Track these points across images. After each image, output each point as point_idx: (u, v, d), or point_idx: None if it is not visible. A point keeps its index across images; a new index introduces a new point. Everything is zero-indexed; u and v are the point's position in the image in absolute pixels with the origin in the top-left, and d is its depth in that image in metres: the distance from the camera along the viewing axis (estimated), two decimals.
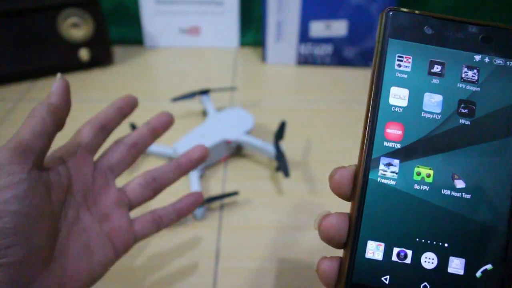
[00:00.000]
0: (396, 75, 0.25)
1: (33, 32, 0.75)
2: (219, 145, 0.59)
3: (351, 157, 0.63)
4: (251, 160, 0.63)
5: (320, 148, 0.65)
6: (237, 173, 0.60)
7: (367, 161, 0.24)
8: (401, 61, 0.26)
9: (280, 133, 0.61)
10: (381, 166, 0.24)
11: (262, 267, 0.48)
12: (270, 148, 0.58)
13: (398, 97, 0.25)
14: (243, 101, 0.76)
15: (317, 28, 0.83)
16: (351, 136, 0.68)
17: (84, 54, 0.79)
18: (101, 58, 0.84)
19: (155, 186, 0.34)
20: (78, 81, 0.82)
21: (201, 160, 0.35)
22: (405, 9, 0.26)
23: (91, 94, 0.78)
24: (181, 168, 0.34)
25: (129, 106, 0.34)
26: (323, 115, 0.73)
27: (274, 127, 0.68)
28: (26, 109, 0.74)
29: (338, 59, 0.86)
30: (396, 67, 0.26)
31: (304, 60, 0.87)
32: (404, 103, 0.25)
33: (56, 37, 0.77)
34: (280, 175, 0.60)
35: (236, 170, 0.61)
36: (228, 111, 0.65)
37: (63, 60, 0.80)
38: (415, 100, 0.25)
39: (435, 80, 0.25)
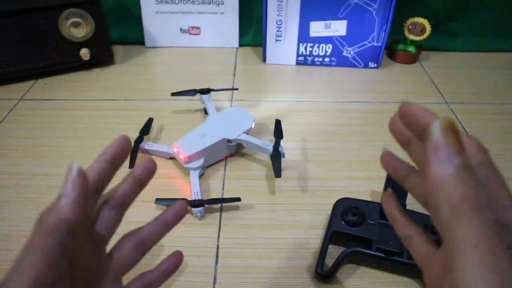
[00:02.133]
0: None
1: (34, 32, 0.76)
2: (220, 144, 0.60)
3: (350, 157, 0.64)
4: (250, 159, 0.63)
5: (319, 147, 0.66)
6: (237, 172, 0.61)
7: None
8: None
9: (279, 132, 0.61)
10: None
11: (261, 265, 0.48)
12: (270, 148, 0.59)
13: None
14: (243, 100, 0.77)
15: (317, 28, 0.83)
16: (350, 136, 0.68)
17: (85, 53, 0.80)
18: (102, 58, 0.84)
19: (145, 248, 0.31)
20: (79, 80, 0.82)
21: (184, 214, 0.33)
22: None
23: (92, 93, 0.78)
24: (167, 225, 0.32)
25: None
26: (323, 115, 0.73)
27: (274, 126, 0.68)
28: (28, 107, 0.74)
29: (338, 59, 0.86)
30: None
31: (304, 60, 0.88)
32: None
33: (57, 36, 0.77)
34: None
35: (236, 169, 0.61)
36: (228, 111, 0.66)
37: (64, 59, 0.81)
38: None
39: None
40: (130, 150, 0.30)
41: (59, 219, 0.24)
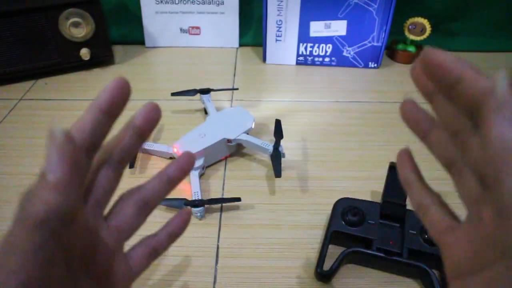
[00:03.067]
0: None
1: (34, 32, 0.76)
2: (220, 144, 0.60)
3: (350, 157, 0.64)
4: (250, 159, 0.63)
5: (319, 147, 0.66)
6: (237, 172, 0.61)
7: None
8: None
9: (279, 132, 0.61)
10: None
11: (261, 265, 0.48)
12: (270, 148, 0.59)
13: None
14: (243, 100, 0.77)
15: (317, 28, 0.83)
16: (350, 136, 0.68)
17: (85, 53, 0.80)
18: (102, 58, 0.84)
19: (148, 210, 0.27)
20: (79, 80, 0.82)
21: (190, 169, 0.28)
22: None
23: (92, 93, 0.78)
24: (171, 182, 0.27)
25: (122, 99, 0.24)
26: (323, 115, 0.73)
27: (274, 126, 0.68)
28: (28, 107, 0.74)
29: (338, 59, 0.86)
30: None
31: (304, 60, 0.88)
32: None
33: (57, 36, 0.77)
34: None
35: (236, 169, 0.61)
36: (228, 111, 0.66)
37: (64, 59, 0.81)
38: None
39: None
40: (130, 94, 0.24)
41: (48, 211, 0.19)
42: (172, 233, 0.29)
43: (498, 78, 0.18)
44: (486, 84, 0.19)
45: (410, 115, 0.25)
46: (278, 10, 0.81)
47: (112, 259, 0.25)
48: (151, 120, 0.25)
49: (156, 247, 0.28)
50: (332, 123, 0.71)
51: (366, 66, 0.87)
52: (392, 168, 0.51)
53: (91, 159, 0.23)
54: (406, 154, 0.27)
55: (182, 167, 0.28)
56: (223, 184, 0.59)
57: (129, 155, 0.25)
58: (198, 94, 0.72)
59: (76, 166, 0.20)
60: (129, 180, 0.58)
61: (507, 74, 0.18)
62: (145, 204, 0.26)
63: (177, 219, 0.29)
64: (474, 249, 0.20)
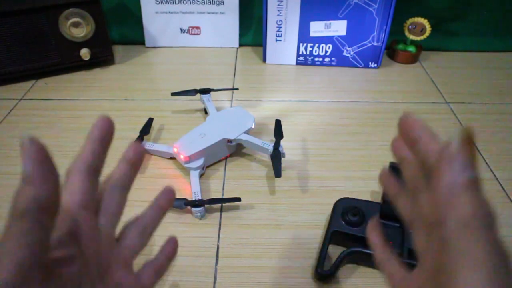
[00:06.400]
0: None
1: (34, 32, 0.76)
2: (220, 144, 0.60)
3: (350, 157, 0.64)
4: (251, 159, 0.63)
5: (319, 147, 0.66)
6: (237, 172, 0.61)
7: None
8: None
9: (279, 132, 0.61)
10: None
11: (261, 265, 0.48)
12: (270, 148, 0.59)
13: None
14: (243, 100, 0.77)
15: (317, 28, 0.83)
16: (350, 136, 0.68)
17: (85, 53, 0.80)
18: (102, 58, 0.84)
19: (148, 234, 0.32)
20: (79, 80, 0.82)
21: (175, 195, 0.34)
22: None
23: (92, 93, 0.78)
24: (163, 209, 0.33)
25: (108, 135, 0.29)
26: (323, 115, 0.73)
27: (274, 126, 0.68)
28: (28, 107, 0.74)
29: (338, 59, 0.86)
30: None
31: (304, 60, 0.88)
32: None
33: (57, 36, 0.77)
34: None
35: (236, 169, 0.61)
36: (228, 111, 0.66)
37: (64, 59, 0.81)
38: None
39: None
40: (113, 130, 0.29)
41: (27, 201, 0.21)
42: (169, 255, 0.34)
43: (455, 135, 0.22)
44: (437, 146, 0.24)
45: (386, 182, 0.33)
46: (278, 10, 0.81)
47: (124, 273, 0.29)
48: (138, 153, 0.30)
49: (160, 268, 0.33)
50: (332, 123, 0.71)
51: (366, 66, 0.87)
52: (392, 168, 0.51)
53: (97, 178, 0.28)
54: (375, 223, 0.35)
55: (168, 195, 0.33)
56: (223, 184, 0.59)
57: (128, 183, 0.30)
58: (198, 94, 0.72)
59: (44, 162, 0.22)
60: None
61: (464, 132, 0.21)
62: (145, 230, 0.31)
63: (169, 243, 0.35)
64: None
